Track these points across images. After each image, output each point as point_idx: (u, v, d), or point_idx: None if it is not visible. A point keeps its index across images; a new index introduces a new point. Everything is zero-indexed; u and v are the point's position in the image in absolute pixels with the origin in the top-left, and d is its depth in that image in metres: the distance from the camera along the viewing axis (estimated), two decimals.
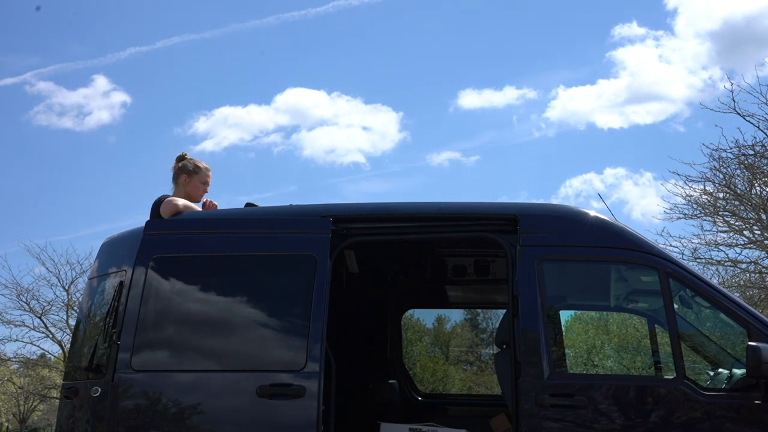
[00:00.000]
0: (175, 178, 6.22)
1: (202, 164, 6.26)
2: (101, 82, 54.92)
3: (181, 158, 6.28)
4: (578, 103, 49.91)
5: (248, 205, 5.90)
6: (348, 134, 52.70)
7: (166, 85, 55.28)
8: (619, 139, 49.24)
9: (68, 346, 29.08)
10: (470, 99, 54.87)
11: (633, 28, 50.65)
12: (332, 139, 53.32)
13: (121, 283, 5.48)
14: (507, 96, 52.93)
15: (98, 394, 5.24)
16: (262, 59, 56.08)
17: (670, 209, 17.32)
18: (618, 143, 50.25)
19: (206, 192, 6.25)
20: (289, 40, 55.65)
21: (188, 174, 6.17)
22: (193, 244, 5.52)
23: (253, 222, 5.55)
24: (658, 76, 44.28)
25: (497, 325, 6.24)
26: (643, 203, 42.73)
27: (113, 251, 5.92)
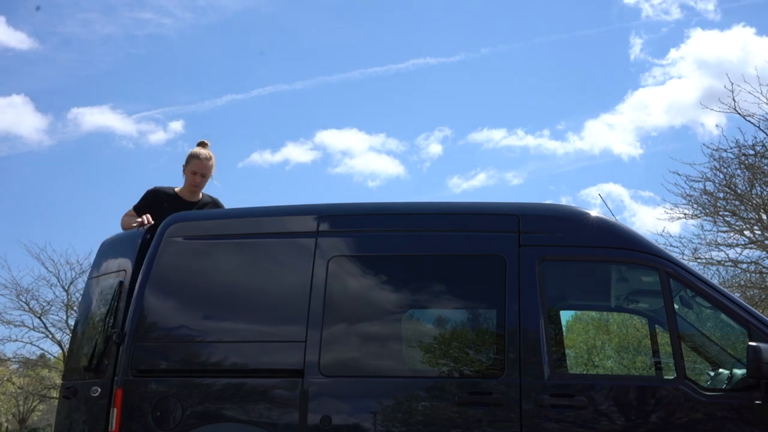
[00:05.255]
0: None
1: (202, 152, 6.20)
2: (176, 126, 56.92)
3: (198, 145, 6.32)
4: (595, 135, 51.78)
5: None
6: (378, 164, 54.84)
7: (225, 129, 57.22)
8: (630, 163, 50.59)
9: (68, 346, 29.13)
10: (495, 135, 57.87)
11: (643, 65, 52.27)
12: (363, 167, 55.59)
13: (121, 283, 5.48)
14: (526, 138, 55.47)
15: (98, 394, 5.24)
16: (310, 106, 58.74)
17: (671, 209, 17.32)
18: (628, 167, 51.39)
19: (200, 183, 6.20)
20: (369, 91, 59.44)
21: (186, 163, 6.22)
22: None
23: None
24: (668, 107, 45.72)
25: None
26: (644, 207, 43.02)
27: (113, 251, 5.91)
